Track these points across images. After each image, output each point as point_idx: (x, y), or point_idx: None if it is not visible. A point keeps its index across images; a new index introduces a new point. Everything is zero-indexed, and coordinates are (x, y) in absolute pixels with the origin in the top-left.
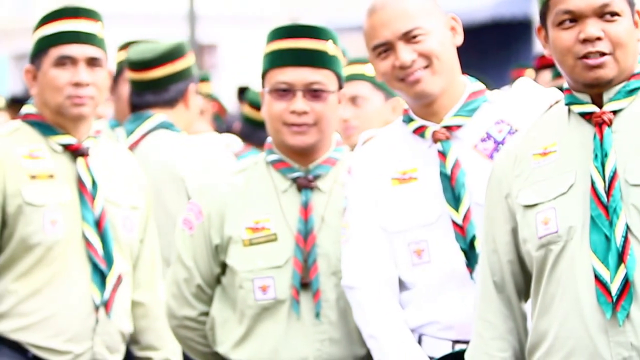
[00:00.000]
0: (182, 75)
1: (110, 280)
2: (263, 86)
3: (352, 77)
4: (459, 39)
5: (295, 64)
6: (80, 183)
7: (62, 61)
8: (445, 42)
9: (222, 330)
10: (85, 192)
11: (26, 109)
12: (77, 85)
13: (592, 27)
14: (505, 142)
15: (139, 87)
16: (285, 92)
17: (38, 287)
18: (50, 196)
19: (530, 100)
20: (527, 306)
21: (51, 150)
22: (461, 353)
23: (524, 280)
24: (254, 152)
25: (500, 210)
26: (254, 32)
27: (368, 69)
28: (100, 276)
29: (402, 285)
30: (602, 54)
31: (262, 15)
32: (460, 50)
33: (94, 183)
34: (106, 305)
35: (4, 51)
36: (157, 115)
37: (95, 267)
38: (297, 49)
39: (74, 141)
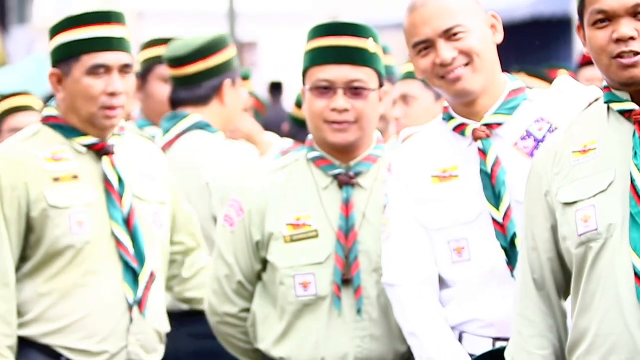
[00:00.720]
0: (216, 71)
1: (143, 279)
2: (304, 84)
3: (406, 76)
4: (499, 37)
5: (336, 61)
6: (107, 182)
7: (96, 70)
8: (485, 40)
9: (263, 327)
10: (112, 190)
11: (47, 111)
12: (112, 95)
13: (626, 27)
14: (545, 140)
15: (175, 84)
16: (326, 89)
17: (69, 289)
18: (75, 197)
19: (570, 99)
20: (568, 304)
21: (75, 151)
22: (501, 351)
23: (563, 278)
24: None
25: (540, 207)
26: (294, 30)
27: None
28: (133, 275)
29: (443, 283)
30: (636, 54)
31: (301, 13)
32: (500, 48)
33: (120, 181)
34: (140, 303)
35: (44, 50)
36: (193, 116)
37: (126, 265)
38: (338, 46)
39: (98, 141)
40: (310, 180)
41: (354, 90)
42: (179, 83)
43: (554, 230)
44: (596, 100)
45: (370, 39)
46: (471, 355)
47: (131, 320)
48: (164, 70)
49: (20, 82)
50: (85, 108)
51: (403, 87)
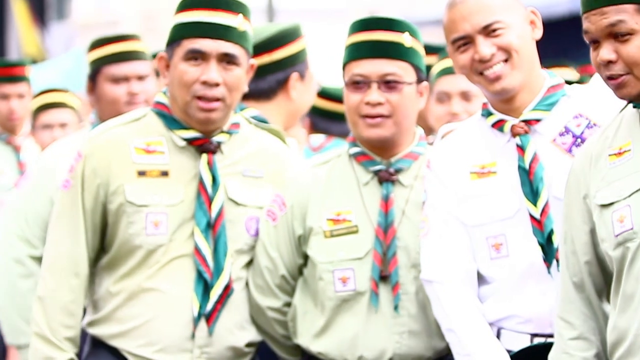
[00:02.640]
0: (282, 64)
1: (216, 292)
2: (343, 79)
3: None
4: (538, 33)
5: (370, 55)
6: (200, 182)
7: (193, 55)
8: (524, 36)
9: (303, 322)
10: (203, 192)
11: (158, 97)
12: (205, 83)
13: (604, 50)
14: (584, 136)
15: None
16: (361, 84)
17: (136, 291)
18: (157, 196)
19: (608, 95)
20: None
21: (173, 144)
22: (539, 347)
23: (603, 280)
24: (338, 142)
25: (578, 211)
26: (333, 26)
27: None
28: (204, 286)
29: (481, 279)
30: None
31: (340, 9)
32: (539, 44)
33: (214, 182)
34: (209, 317)
35: (83, 44)
36: (249, 110)
37: (199, 275)
38: (372, 40)
39: (200, 136)
40: (351, 176)
41: (388, 84)
42: None
43: (593, 233)
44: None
45: (406, 33)
46: (509, 351)
47: (197, 333)
48: (114, 70)
49: (58, 77)
50: (181, 96)
51: (465, 83)
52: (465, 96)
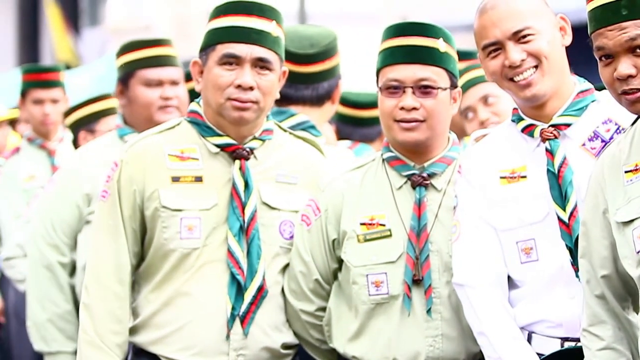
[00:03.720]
0: (334, 72)
1: (250, 293)
2: (377, 85)
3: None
4: (568, 39)
5: (405, 61)
6: (233, 187)
7: (227, 60)
8: (554, 42)
9: (337, 326)
10: (236, 197)
11: (192, 106)
12: (240, 87)
13: (624, 65)
14: (602, 152)
15: (292, 81)
16: (395, 89)
17: (172, 296)
18: (191, 201)
19: None
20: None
21: (207, 151)
22: (569, 351)
23: (626, 292)
24: (364, 147)
25: (598, 225)
26: (365, 31)
27: None
28: (238, 288)
29: (511, 283)
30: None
31: (371, 13)
32: (569, 50)
33: (247, 187)
34: (243, 319)
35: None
36: (300, 115)
37: (233, 278)
38: (407, 46)
39: (233, 142)
40: (385, 180)
41: (423, 89)
42: (298, 80)
43: (613, 247)
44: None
45: (441, 39)
46: (539, 355)
47: (232, 336)
48: (149, 74)
49: (91, 83)
50: (214, 99)
51: (484, 88)
52: (485, 101)
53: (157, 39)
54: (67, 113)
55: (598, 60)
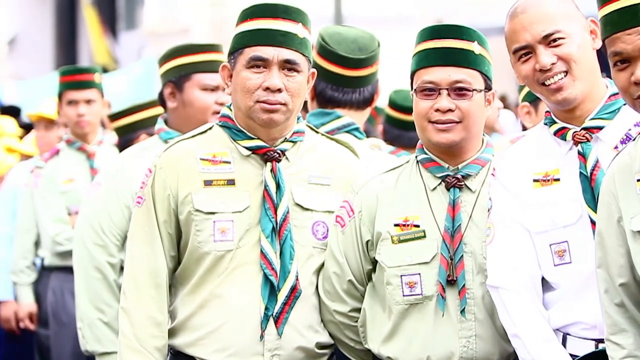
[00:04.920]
0: (376, 76)
1: (283, 293)
2: (412, 87)
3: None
4: (599, 43)
5: (440, 63)
6: (265, 189)
7: (255, 63)
8: (584, 46)
9: (372, 327)
10: (268, 198)
11: (223, 110)
12: (268, 89)
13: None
14: (611, 163)
15: (336, 83)
16: (431, 91)
17: (207, 298)
18: (224, 204)
19: None
20: None
21: (239, 154)
22: (604, 352)
23: None
24: (403, 154)
25: (613, 234)
26: (400, 33)
27: None
28: (271, 289)
29: (546, 285)
30: None
31: (407, 16)
32: (600, 53)
33: (278, 189)
34: (277, 319)
35: (153, 53)
36: (345, 118)
37: (266, 279)
38: (442, 48)
39: (264, 145)
40: (419, 182)
41: (458, 91)
42: (346, 84)
43: (629, 254)
44: None
45: (476, 42)
46: (574, 357)
47: (266, 336)
48: (207, 78)
49: (127, 86)
50: (244, 102)
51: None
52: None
53: (215, 44)
54: (119, 115)
55: (612, 65)
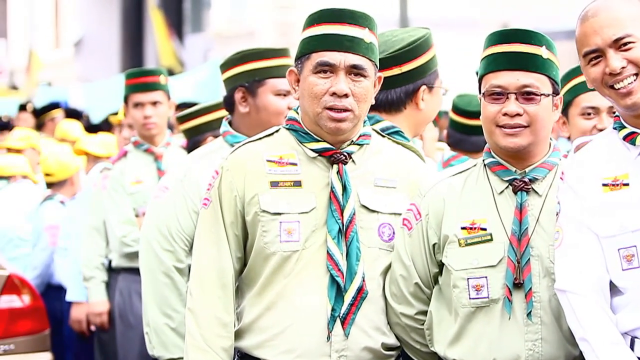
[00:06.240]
0: (410, 77)
1: (350, 294)
2: (480, 91)
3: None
4: None
5: (508, 67)
6: (331, 191)
7: (322, 68)
8: None
9: (438, 329)
10: (334, 200)
11: (290, 113)
12: (335, 95)
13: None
14: None
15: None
16: (499, 95)
17: (273, 300)
18: (290, 205)
19: None
20: None
21: (305, 156)
22: None
23: None
24: (463, 159)
25: None
26: (466, 37)
27: None
28: (337, 290)
29: (614, 289)
30: None
31: (472, 19)
32: None
33: (345, 191)
34: (344, 320)
35: (219, 55)
36: (385, 122)
37: (332, 280)
38: (511, 52)
39: (330, 147)
40: (486, 185)
41: (526, 96)
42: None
43: None
44: None
45: (544, 46)
46: None
47: (333, 337)
48: (282, 84)
49: (192, 88)
50: (311, 108)
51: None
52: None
53: (285, 48)
54: (187, 117)
55: None
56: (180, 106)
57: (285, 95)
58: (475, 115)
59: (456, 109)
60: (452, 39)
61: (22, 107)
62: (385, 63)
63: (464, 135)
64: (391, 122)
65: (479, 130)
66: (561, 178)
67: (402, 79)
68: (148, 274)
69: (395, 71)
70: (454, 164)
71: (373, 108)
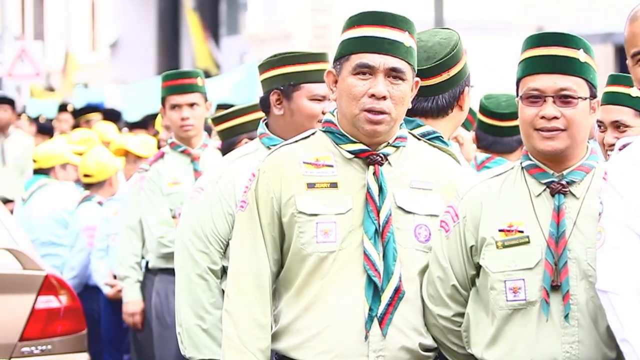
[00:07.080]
0: (456, 80)
1: (387, 294)
2: (517, 94)
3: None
4: None
5: (545, 71)
6: (367, 192)
7: (361, 70)
8: None
9: (475, 331)
10: (370, 201)
11: (326, 116)
12: (373, 97)
13: None
14: None
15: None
16: (536, 98)
17: (311, 301)
18: (327, 206)
19: None
20: None
21: (342, 158)
22: None
23: None
24: (500, 161)
25: None
26: (501, 40)
27: None
28: (374, 290)
29: None
30: None
31: (508, 23)
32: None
33: (381, 192)
34: (381, 320)
35: (255, 57)
36: (426, 127)
37: (369, 280)
38: (548, 56)
39: (365, 149)
40: (524, 188)
41: (563, 99)
42: (417, 93)
43: None
44: None
45: (581, 50)
46: None
47: (370, 337)
48: (317, 89)
49: (228, 90)
50: (349, 109)
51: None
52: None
53: (322, 53)
54: (222, 119)
55: None
56: (218, 107)
57: (320, 100)
58: (506, 116)
59: (486, 111)
60: (488, 41)
61: (62, 108)
62: (431, 71)
63: (496, 137)
64: (435, 126)
65: (511, 131)
66: (604, 178)
67: (449, 84)
68: (182, 274)
69: (444, 77)
70: (489, 165)
71: (421, 115)
